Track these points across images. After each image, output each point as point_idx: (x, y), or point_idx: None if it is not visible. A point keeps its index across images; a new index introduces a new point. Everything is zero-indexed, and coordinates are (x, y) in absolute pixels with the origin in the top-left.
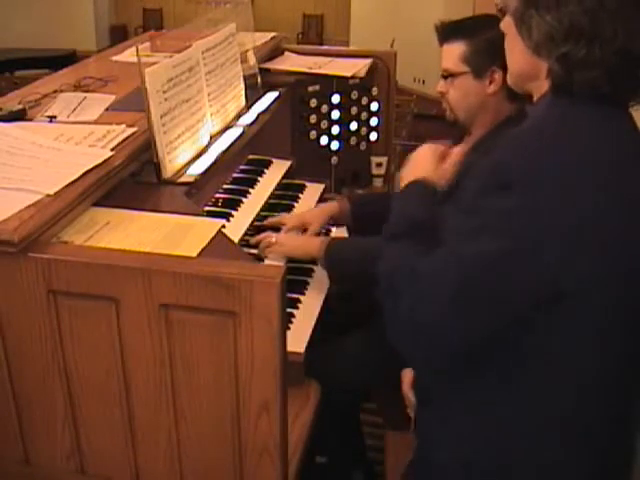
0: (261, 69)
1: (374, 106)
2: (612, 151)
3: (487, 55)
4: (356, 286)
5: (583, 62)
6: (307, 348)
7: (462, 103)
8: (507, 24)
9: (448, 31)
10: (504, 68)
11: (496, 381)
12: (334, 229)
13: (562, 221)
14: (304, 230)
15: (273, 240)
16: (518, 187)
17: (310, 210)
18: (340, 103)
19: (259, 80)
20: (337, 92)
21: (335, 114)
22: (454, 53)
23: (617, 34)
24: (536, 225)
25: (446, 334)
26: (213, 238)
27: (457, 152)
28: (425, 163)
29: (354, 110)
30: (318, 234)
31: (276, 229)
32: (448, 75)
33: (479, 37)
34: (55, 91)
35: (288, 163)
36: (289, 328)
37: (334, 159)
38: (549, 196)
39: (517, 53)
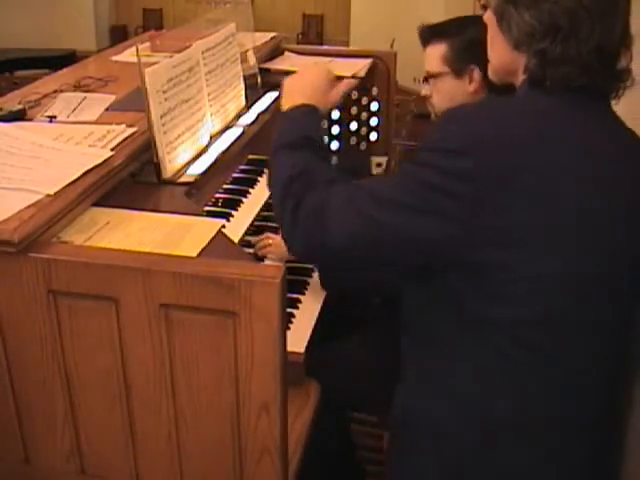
0: (261, 69)
1: (374, 106)
2: (576, 135)
3: (466, 54)
4: (349, 291)
5: (559, 58)
6: (307, 348)
7: (446, 104)
8: (489, 18)
9: (430, 34)
10: (482, 65)
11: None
12: None
13: (510, 195)
14: None
15: (270, 242)
16: (472, 153)
17: None
18: (340, 103)
19: (259, 80)
20: None
21: (335, 114)
22: (436, 54)
23: (593, 32)
24: (480, 189)
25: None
26: (213, 238)
27: (347, 82)
28: (319, 84)
29: (354, 110)
30: None
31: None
32: (430, 77)
33: (460, 37)
34: (55, 91)
35: None
36: (289, 328)
37: (334, 159)
38: (502, 166)
39: (498, 47)
